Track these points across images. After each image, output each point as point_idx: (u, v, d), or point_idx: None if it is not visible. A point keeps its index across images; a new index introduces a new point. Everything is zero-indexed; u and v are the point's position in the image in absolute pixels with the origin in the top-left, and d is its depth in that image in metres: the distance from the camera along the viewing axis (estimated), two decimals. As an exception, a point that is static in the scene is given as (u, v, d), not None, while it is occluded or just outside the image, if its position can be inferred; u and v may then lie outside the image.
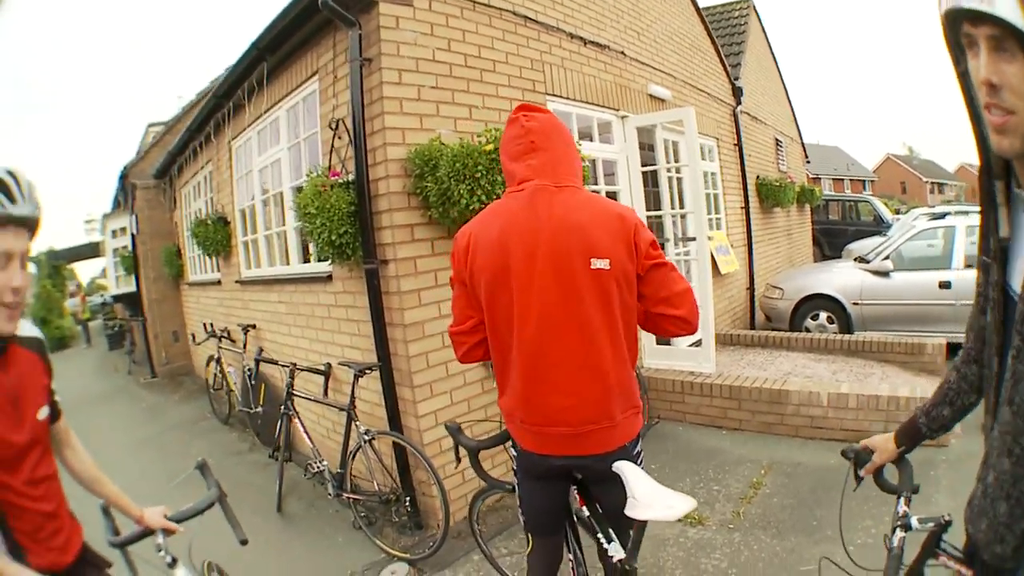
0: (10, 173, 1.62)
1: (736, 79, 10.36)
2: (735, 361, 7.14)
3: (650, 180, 6.97)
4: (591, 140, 6.05)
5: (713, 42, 9.70)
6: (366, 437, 4.09)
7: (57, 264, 26.94)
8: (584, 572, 2.45)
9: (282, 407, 5.02)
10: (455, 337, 2.23)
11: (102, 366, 15.57)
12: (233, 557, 2.73)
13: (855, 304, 8.10)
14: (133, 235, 12.12)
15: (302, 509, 5.02)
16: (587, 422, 2.02)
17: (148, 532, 2.10)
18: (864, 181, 56.70)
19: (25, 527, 1.67)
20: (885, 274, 7.96)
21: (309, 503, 5.08)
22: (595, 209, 2.05)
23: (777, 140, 12.85)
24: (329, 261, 4.40)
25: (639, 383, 2.54)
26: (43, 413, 1.80)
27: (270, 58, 5.20)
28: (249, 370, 6.55)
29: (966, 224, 7.71)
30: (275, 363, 5.57)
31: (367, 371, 4.22)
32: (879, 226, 16.42)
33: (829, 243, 16.79)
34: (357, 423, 4.21)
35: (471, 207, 3.77)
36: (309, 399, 4.99)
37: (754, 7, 12.58)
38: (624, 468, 1.92)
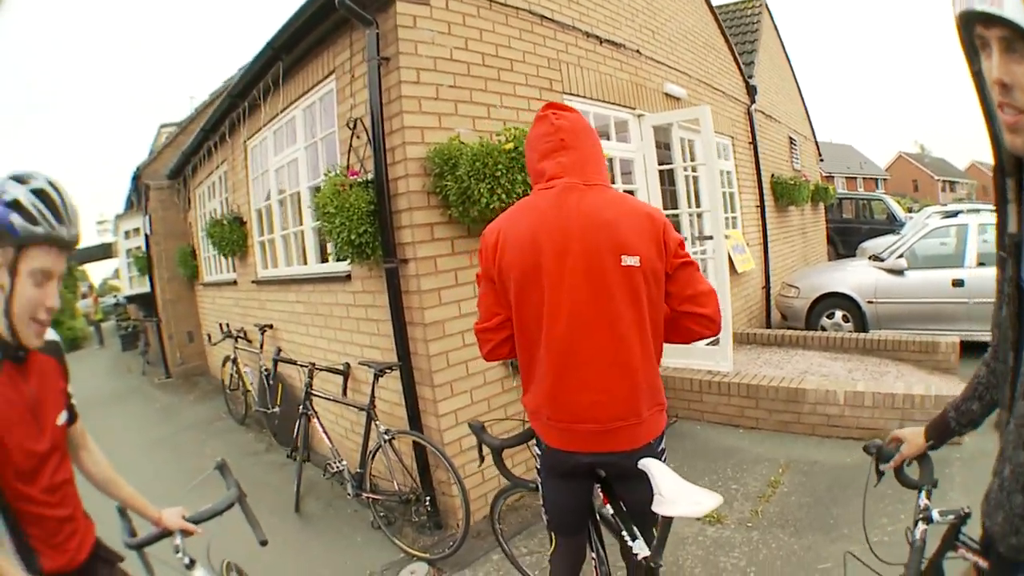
0: (58, 192, 1.63)
1: (750, 77, 10.31)
2: (752, 360, 7.10)
3: (666, 179, 6.95)
4: (608, 139, 6.04)
5: (727, 40, 9.66)
6: (386, 437, 4.08)
7: (69, 265, 26.99)
8: (607, 571, 2.42)
9: (300, 407, 5.03)
10: (481, 334, 2.21)
11: (115, 367, 15.64)
12: (252, 557, 2.72)
13: (870, 302, 8.07)
14: (147, 236, 12.16)
15: (320, 509, 5.02)
16: (615, 419, 2.01)
17: (165, 534, 2.10)
18: (877, 179, 56.54)
19: (41, 533, 1.66)
20: (899, 272, 7.93)
21: (327, 503, 5.08)
22: (624, 207, 2.06)
23: (791, 138, 12.80)
24: (348, 260, 4.39)
25: None
26: (62, 418, 1.81)
27: (286, 57, 5.21)
28: (266, 370, 6.55)
29: (978, 222, 7.71)
30: (294, 363, 5.57)
31: (387, 370, 4.21)
32: (892, 224, 16.37)
33: (843, 241, 16.74)
34: (377, 423, 4.21)
35: (491, 206, 3.77)
36: (328, 399, 4.98)
37: (766, 5, 12.51)
38: (650, 465, 1.91)
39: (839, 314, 8.40)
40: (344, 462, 4.66)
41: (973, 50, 1.14)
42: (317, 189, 4.89)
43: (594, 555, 2.44)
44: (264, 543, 2.23)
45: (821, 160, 17.25)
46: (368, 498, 4.34)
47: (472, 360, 4.29)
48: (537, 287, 2.00)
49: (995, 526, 1.39)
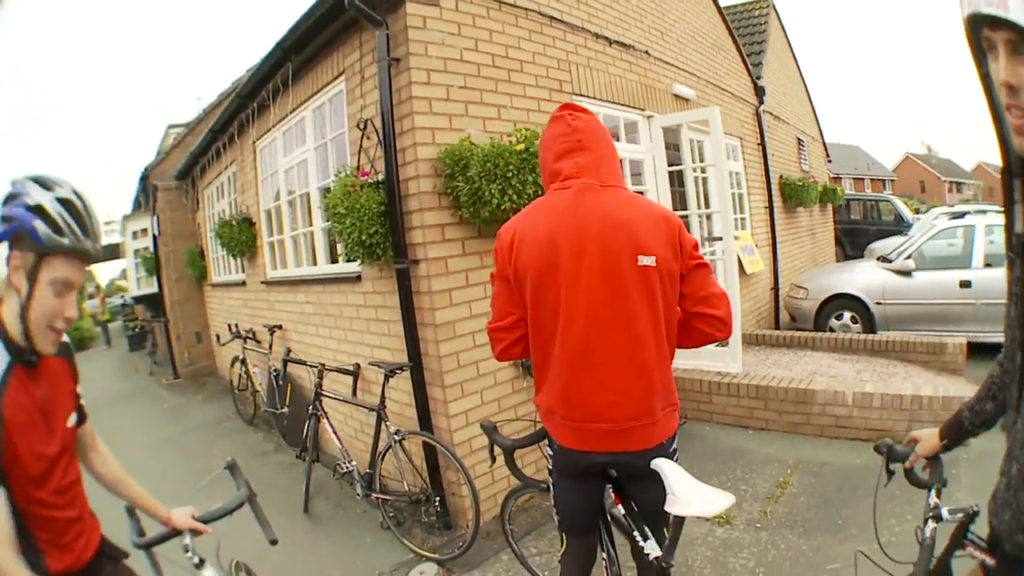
0: (83, 203, 1.64)
1: (758, 78, 10.31)
2: (761, 361, 7.09)
3: (676, 180, 6.94)
4: (618, 140, 6.02)
5: (735, 41, 9.65)
6: (396, 437, 4.08)
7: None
8: (617, 572, 2.43)
9: (310, 407, 5.02)
10: (494, 334, 2.20)
11: (123, 367, 15.67)
12: (261, 557, 2.73)
13: (878, 304, 8.07)
14: (155, 236, 12.17)
15: (329, 509, 5.02)
16: (630, 418, 2.01)
17: (173, 533, 2.10)
18: (884, 180, 56.37)
19: (48, 535, 1.65)
20: (907, 273, 7.92)
21: (336, 503, 5.09)
22: (640, 208, 2.07)
23: (799, 139, 12.78)
24: (358, 261, 4.39)
25: None
26: (72, 420, 1.81)
27: (295, 58, 5.22)
28: (275, 371, 6.57)
29: (985, 223, 7.70)
30: (303, 363, 5.58)
31: (398, 371, 4.21)
32: (900, 225, 16.32)
33: (851, 243, 16.69)
34: (387, 423, 4.21)
35: (502, 207, 3.77)
36: (338, 399, 4.98)
37: (774, 6, 12.51)
38: (663, 465, 1.91)
39: (847, 315, 8.39)
40: (354, 462, 4.67)
41: (981, 52, 1.15)
42: (327, 190, 4.89)
43: (604, 556, 2.44)
44: (274, 542, 2.23)
45: (829, 161, 17.22)
46: (378, 498, 4.34)
47: (483, 361, 4.30)
48: (553, 286, 2.00)
49: (1002, 524, 1.41)
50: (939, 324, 7.55)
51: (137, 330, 17.54)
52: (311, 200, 5.71)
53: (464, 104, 4.26)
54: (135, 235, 14.42)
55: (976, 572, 1.68)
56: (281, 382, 6.34)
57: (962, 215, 8.64)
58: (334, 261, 5.64)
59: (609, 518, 2.43)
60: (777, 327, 10.01)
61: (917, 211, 23.44)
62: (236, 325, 8.10)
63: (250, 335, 7.66)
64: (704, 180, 7.33)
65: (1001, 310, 1.42)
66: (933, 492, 1.88)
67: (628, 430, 2.02)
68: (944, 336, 6.97)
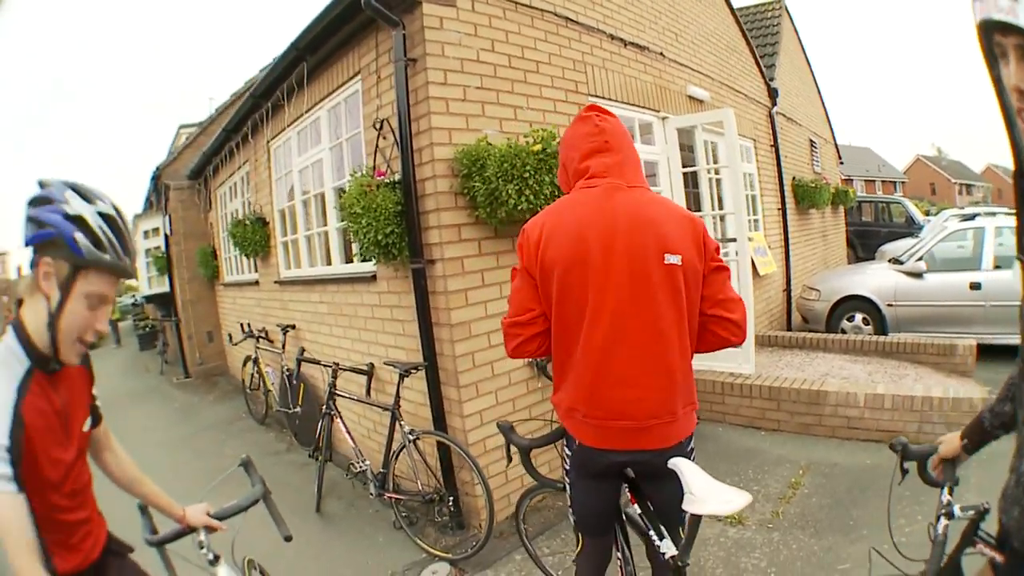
0: (123, 221, 1.64)
1: (771, 80, 10.29)
2: (773, 362, 7.10)
3: (690, 181, 6.93)
4: (633, 141, 5.98)
5: (748, 43, 9.63)
6: (411, 437, 4.09)
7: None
8: (632, 571, 2.42)
9: (324, 407, 5.03)
10: (510, 329, 2.18)
11: (133, 366, 15.73)
12: (273, 557, 2.73)
13: (890, 305, 8.06)
14: (166, 236, 12.23)
15: (341, 509, 5.03)
16: (651, 416, 2.02)
17: (186, 531, 2.11)
18: (895, 183, 56.16)
19: (58, 537, 1.65)
20: (919, 275, 7.92)
21: (348, 503, 5.10)
22: (666, 208, 2.10)
23: (812, 141, 12.74)
24: (374, 261, 4.40)
25: None
26: (87, 425, 1.81)
27: (310, 58, 5.24)
28: (288, 370, 6.58)
29: (995, 225, 7.72)
30: (317, 363, 5.60)
31: (413, 371, 4.22)
32: (911, 227, 16.28)
33: (862, 244, 16.68)
34: (401, 423, 4.21)
35: (519, 207, 3.79)
36: (352, 399, 4.99)
37: (786, 8, 12.49)
38: (680, 464, 1.92)
39: (859, 317, 8.40)
40: (367, 462, 4.68)
41: (993, 58, 1.17)
42: (342, 190, 4.91)
43: (619, 555, 2.45)
44: (289, 539, 2.23)
45: (841, 163, 17.15)
46: (391, 498, 4.35)
47: (497, 361, 4.30)
48: (581, 282, 2.01)
49: (1011, 521, 1.46)
50: (949, 326, 7.56)
51: (148, 329, 17.62)
52: (326, 200, 5.72)
53: (481, 104, 4.26)
54: (146, 234, 14.45)
55: (985, 569, 1.72)
56: (295, 381, 6.34)
57: (972, 217, 8.62)
58: (349, 261, 5.66)
59: (624, 518, 2.43)
60: (789, 328, 10.01)
61: (928, 213, 23.35)
62: (249, 324, 8.13)
63: (263, 335, 7.68)
64: (718, 181, 7.34)
65: (1011, 312, 1.44)
66: (945, 490, 1.92)
67: (649, 428, 2.02)
68: (954, 338, 6.97)
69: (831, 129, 15.62)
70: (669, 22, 6.83)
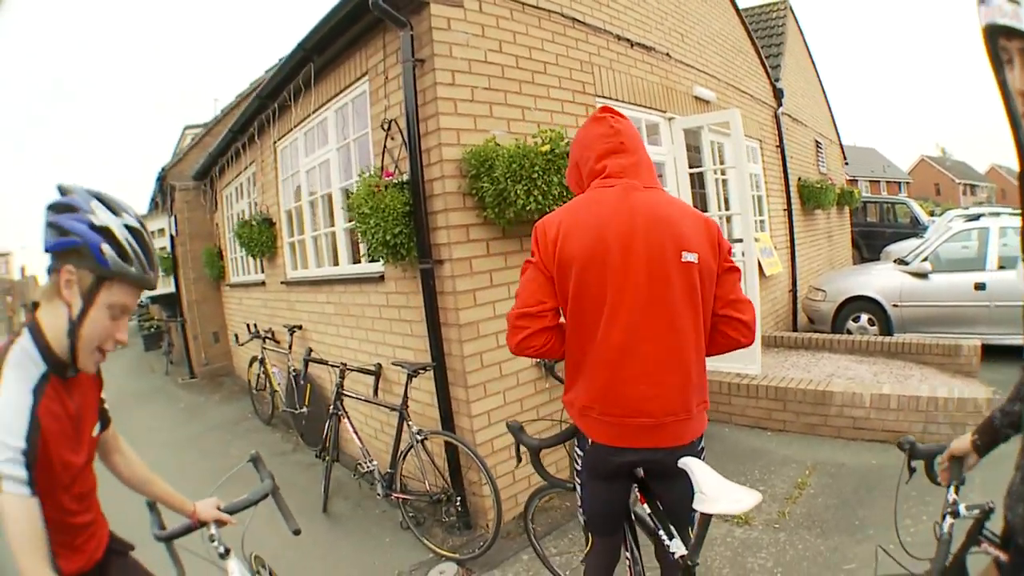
0: (147, 234, 1.67)
1: (776, 80, 10.28)
2: (779, 363, 7.11)
3: (696, 182, 6.94)
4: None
5: (754, 44, 9.64)
6: (419, 437, 4.09)
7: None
8: (641, 571, 2.43)
9: (331, 407, 5.04)
10: (517, 320, 2.11)
11: (138, 366, 15.70)
12: (280, 556, 2.74)
13: (895, 306, 8.07)
14: (172, 236, 12.22)
15: (348, 509, 5.04)
16: (667, 413, 2.03)
17: (195, 526, 2.11)
18: (900, 183, 56.07)
19: (63, 539, 1.64)
20: (924, 276, 7.93)
21: (355, 503, 5.10)
22: (681, 207, 2.15)
23: (817, 142, 12.75)
24: (382, 261, 4.41)
25: None
26: (96, 429, 1.82)
27: (317, 59, 5.23)
28: (295, 371, 6.58)
29: (999, 225, 7.73)
30: (325, 363, 5.60)
31: (420, 371, 4.22)
32: (916, 228, 16.27)
33: (867, 245, 16.66)
34: (409, 423, 4.21)
35: (527, 207, 3.79)
36: (360, 399, 5.00)
37: (791, 8, 12.49)
38: (691, 463, 1.92)
39: (865, 317, 8.42)
40: (374, 462, 4.68)
41: (998, 61, 1.18)
42: (349, 191, 4.91)
43: (628, 555, 2.45)
44: (297, 532, 2.25)
45: (846, 163, 17.15)
46: (398, 498, 4.35)
47: (506, 361, 4.30)
48: (599, 278, 2.01)
49: (1016, 519, 1.47)
50: (954, 326, 7.57)
51: (152, 330, 17.59)
52: (333, 200, 5.72)
53: (488, 105, 4.26)
54: (152, 235, 14.45)
55: (990, 568, 1.74)
56: (302, 382, 6.35)
57: (976, 217, 8.63)
58: (356, 261, 5.67)
59: (634, 517, 2.44)
60: (795, 329, 10.01)
61: (932, 213, 23.33)
62: (255, 325, 8.14)
63: (269, 335, 7.69)
64: (724, 182, 7.34)
65: (1015, 312, 1.46)
66: (952, 489, 1.94)
67: (665, 425, 2.03)
68: (959, 338, 6.97)
69: (836, 129, 15.61)
70: (675, 23, 6.83)
